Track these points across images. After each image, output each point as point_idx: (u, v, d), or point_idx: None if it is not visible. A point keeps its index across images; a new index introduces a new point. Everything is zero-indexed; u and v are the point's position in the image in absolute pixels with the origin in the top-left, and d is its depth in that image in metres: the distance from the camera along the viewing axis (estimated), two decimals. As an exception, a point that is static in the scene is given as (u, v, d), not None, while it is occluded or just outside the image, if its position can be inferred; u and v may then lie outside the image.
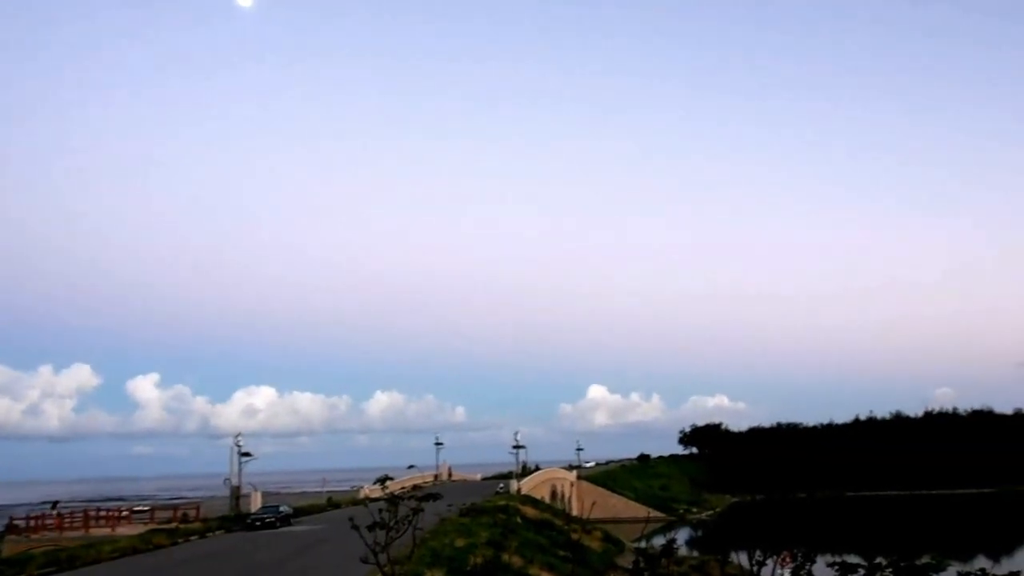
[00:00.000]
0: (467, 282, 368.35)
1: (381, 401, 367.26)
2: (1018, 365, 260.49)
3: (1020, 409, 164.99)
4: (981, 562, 49.00)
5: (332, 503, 66.97)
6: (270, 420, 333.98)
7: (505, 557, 27.16)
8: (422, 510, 11.83)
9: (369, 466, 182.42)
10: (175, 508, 69.54)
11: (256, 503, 57.66)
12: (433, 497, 12.65)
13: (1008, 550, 70.80)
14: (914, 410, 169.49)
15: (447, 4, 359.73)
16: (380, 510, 11.42)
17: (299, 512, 57.67)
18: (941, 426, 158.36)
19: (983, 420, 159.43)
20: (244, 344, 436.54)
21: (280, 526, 48.94)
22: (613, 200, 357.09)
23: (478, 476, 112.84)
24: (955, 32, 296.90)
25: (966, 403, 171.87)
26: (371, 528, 11.12)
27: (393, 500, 11.55)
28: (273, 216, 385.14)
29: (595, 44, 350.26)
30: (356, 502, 61.26)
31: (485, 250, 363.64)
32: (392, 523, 11.27)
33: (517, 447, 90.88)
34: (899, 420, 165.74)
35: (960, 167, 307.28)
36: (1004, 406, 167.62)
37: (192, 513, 62.39)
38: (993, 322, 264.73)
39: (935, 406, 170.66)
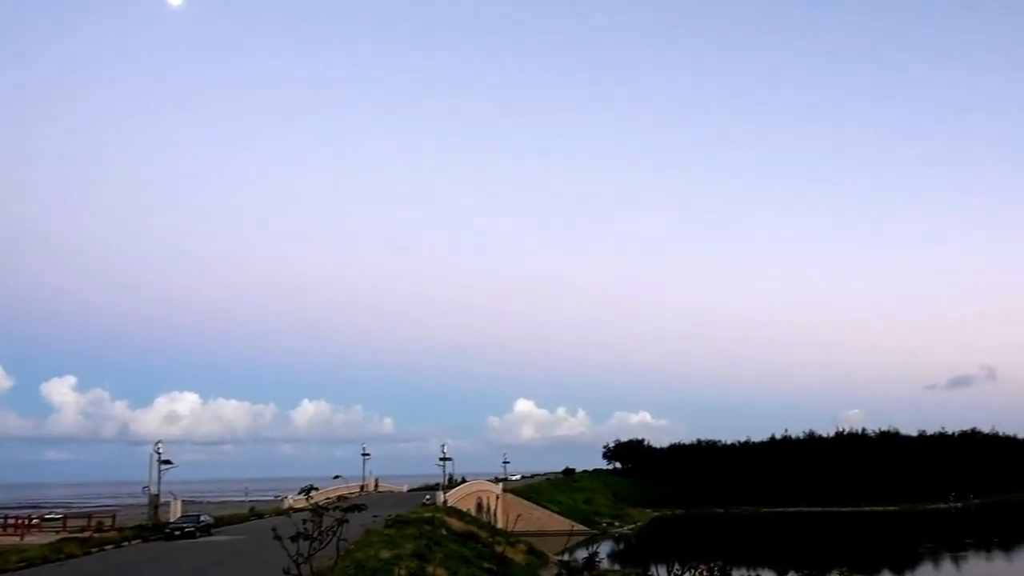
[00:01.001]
0: (398, 293, 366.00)
1: (308, 410, 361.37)
2: (925, 389, 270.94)
3: (924, 431, 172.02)
4: (887, 576, 51.07)
5: (255, 513, 65.77)
6: (193, 427, 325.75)
7: (430, 569, 27.16)
8: (347, 521, 11.80)
9: (294, 476, 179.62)
10: (89, 516, 67.15)
11: (175, 512, 56.22)
12: (358, 508, 12.65)
13: (911, 565, 73.53)
14: (826, 430, 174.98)
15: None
16: (304, 521, 11.36)
17: (220, 522, 56.44)
18: (851, 446, 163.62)
19: (890, 441, 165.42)
20: (168, 348, 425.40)
21: (200, 536, 47.78)
22: (542, 218, 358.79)
23: (405, 487, 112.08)
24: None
25: (874, 424, 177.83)
26: (294, 539, 11.06)
27: (317, 511, 11.51)
28: (200, 218, 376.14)
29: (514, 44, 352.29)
30: (280, 512, 60.42)
31: (417, 263, 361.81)
32: (316, 534, 11.22)
33: (444, 459, 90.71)
34: (812, 440, 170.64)
35: (886, 194, 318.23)
36: (910, 428, 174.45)
37: (107, 522, 60.36)
38: (902, 347, 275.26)
39: (846, 427, 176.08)
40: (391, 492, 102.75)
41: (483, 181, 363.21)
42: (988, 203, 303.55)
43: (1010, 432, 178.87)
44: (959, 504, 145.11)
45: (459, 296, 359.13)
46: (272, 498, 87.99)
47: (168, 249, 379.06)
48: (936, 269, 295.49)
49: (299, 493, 12.54)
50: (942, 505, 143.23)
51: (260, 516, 63.00)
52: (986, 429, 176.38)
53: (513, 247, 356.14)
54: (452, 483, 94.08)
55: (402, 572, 24.48)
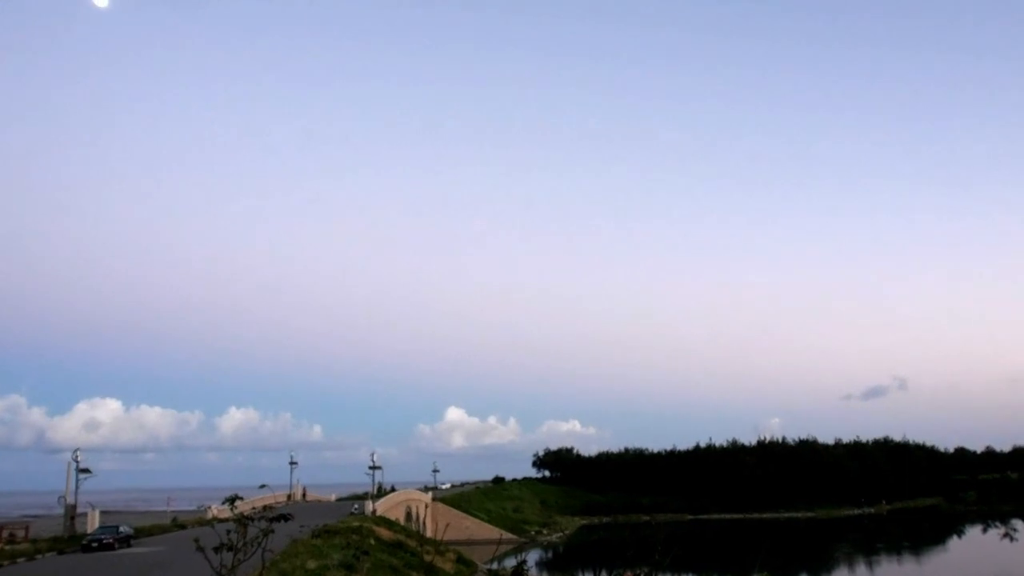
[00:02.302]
0: (327, 299, 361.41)
1: (235, 418, 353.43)
2: (841, 399, 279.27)
3: (840, 440, 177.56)
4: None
5: (178, 523, 64.10)
6: (114, 435, 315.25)
7: (356, 579, 26.95)
8: (272, 531, 11.73)
9: (220, 485, 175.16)
10: (1, 528, 64.46)
11: (93, 523, 54.40)
12: (285, 518, 12.57)
13: (827, 569, 75.82)
14: (748, 438, 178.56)
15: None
16: (228, 531, 11.24)
17: (141, 533, 54.89)
18: (772, 454, 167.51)
19: (808, 449, 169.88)
20: (89, 353, 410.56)
21: (119, 548, 46.40)
22: (473, 227, 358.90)
23: (333, 497, 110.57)
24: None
25: (794, 433, 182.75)
26: (217, 550, 10.93)
27: (242, 520, 11.40)
28: (125, 218, 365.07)
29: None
30: (203, 522, 59.00)
31: (346, 268, 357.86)
32: (240, 545, 11.11)
33: (373, 467, 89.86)
34: (735, 448, 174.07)
35: (803, 208, 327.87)
36: (827, 437, 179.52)
37: (20, 533, 57.99)
38: (820, 357, 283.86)
39: (767, 435, 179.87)
40: (319, 501, 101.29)
41: (414, 187, 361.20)
42: (896, 219, 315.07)
43: (920, 440, 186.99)
44: (871, 510, 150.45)
45: (390, 303, 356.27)
46: (195, 508, 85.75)
47: (89, 250, 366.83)
48: (851, 282, 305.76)
49: (223, 503, 12.31)
50: (856, 511, 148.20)
51: (182, 526, 61.46)
52: (898, 437, 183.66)
53: (444, 255, 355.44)
54: (381, 492, 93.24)
55: (328, 582, 24.28)
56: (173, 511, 78.83)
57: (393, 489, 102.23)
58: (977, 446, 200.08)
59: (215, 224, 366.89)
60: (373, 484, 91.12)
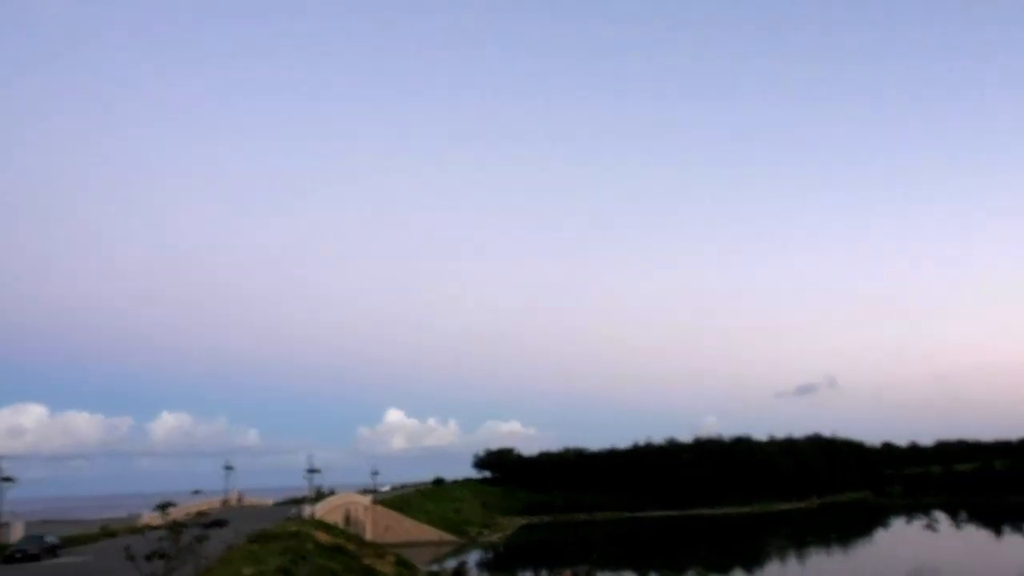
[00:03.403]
0: (262, 302, 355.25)
1: (168, 422, 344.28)
2: (775, 396, 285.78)
3: (774, 436, 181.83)
4: (738, 574, 53.75)
5: (107, 532, 62.17)
6: (40, 442, 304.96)
7: (293, 584, 26.64)
8: (208, 537, 11.61)
9: (153, 492, 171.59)
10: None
11: (17, 534, 52.46)
12: (220, 523, 12.50)
13: (760, 563, 77.48)
14: (685, 437, 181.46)
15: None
16: (160, 538, 11.09)
17: (68, 542, 53.07)
18: (708, 452, 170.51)
19: (743, 446, 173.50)
20: (12, 356, 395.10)
21: (45, 559, 44.83)
22: (410, 229, 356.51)
23: (270, 501, 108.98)
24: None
25: (729, 431, 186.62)
26: (149, 558, 10.78)
27: (175, 527, 11.27)
28: (47, 216, 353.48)
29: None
30: (135, 530, 57.41)
31: (282, 271, 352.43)
32: (173, 552, 10.97)
33: (312, 471, 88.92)
34: (673, 446, 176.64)
35: (733, 213, 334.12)
36: (761, 434, 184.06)
37: (-63, 547, 55.68)
38: (754, 357, 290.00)
39: (703, 433, 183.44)
40: (256, 506, 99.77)
41: (353, 189, 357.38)
42: (823, 220, 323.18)
43: (849, 436, 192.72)
44: (802, 504, 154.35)
45: (327, 306, 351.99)
46: (126, 515, 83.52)
47: (6, 252, 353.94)
48: (783, 284, 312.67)
49: (155, 509, 12.12)
50: (787, 506, 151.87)
51: (112, 535, 59.66)
52: (828, 434, 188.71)
53: (382, 258, 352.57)
54: (320, 496, 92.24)
55: (265, 588, 23.93)
56: (103, 519, 76.66)
57: (332, 493, 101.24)
58: (903, 441, 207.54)
59: (141, 226, 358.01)
60: (311, 488, 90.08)
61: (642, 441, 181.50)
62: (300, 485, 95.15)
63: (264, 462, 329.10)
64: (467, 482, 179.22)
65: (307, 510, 70.11)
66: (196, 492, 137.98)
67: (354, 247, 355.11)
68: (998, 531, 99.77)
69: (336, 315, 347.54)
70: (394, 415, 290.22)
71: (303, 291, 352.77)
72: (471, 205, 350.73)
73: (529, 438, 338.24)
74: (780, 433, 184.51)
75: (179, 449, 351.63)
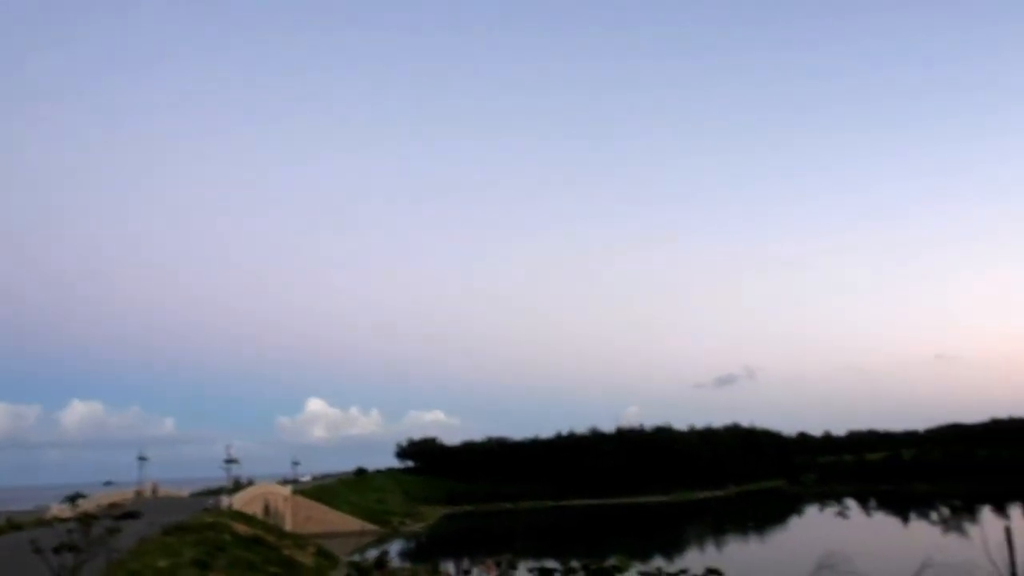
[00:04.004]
0: (178, 287, 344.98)
1: (78, 411, 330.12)
2: (695, 387, 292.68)
3: (694, 426, 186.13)
4: (658, 562, 54.77)
5: (13, 525, 59.66)
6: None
7: (210, 577, 26.02)
8: (119, 530, 11.17)
9: (62, 483, 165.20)
10: None
11: (-89, 528, 49.99)
12: (133, 515, 12.06)
13: (680, 550, 79.23)
14: (608, 426, 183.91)
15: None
16: (69, 531, 10.62)
17: (-31, 536, 50.78)
18: (630, 441, 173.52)
19: (664, 436, 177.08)
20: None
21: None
22: (326, 217, 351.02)
23: (187, 492, 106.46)
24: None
25: (651, 420, 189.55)
26: (57, 551, 10.31)
27: (85, 519, 10.82)
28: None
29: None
30: (42, 523, 55.28)
31: (201, 256, 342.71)
32: (83, 545, 10.53)
33: (230, 461, 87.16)
34: (595, 436, 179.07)
35: (650, 197, 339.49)
36: (681, 424, 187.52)
37: None
38: (675, 347, 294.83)
39: (626, 423, 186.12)
40: (172, 497, 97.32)
41: (273, 171, 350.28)
42: (749, 209, 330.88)
43: (766, 426, 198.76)
44: (720, 492, 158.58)
45: (245, 292, 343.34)
46: (34, 508, 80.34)
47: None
48: (703, 273, 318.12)
49: (64, 501, 11.65)
50: (706, 494, 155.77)
51: (19, 528, 57.30)
52: (746, 424, 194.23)
53: (301, 243, 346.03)
54: (238, 486, 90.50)
55: (180, 581, 23.29)
56: (9, 511, 73.55)
57: (251, 483, 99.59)
58: (817, 431, 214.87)
59: (52, 208, 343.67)
60: (229, 478, 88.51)
61: (565, 431, 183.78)
62: (218, 475, 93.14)
63: (180, 452, 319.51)
64: (390, 472, 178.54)
65: (225, 501, 68.85)
66: (108, 483, 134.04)
67: (273, 234, 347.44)
68: (905, 518, 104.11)
69: (255, 302, 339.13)
70: (315, 404, 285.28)
71: (222, 277, 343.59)
72: (390, 193, 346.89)
73: (452, 428, 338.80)
74: (700, 423, 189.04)
75: (90, 439, 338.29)
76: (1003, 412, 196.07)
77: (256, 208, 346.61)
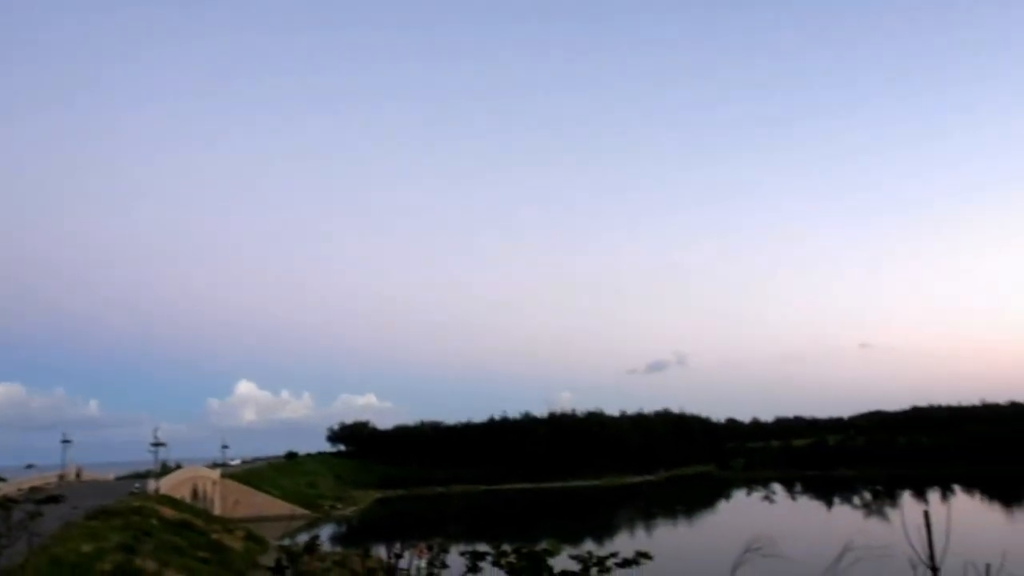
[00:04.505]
0: (103, 263, 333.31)
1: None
2: (627, 372, 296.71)
3: (625, 412, 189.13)
4: (589, 545, 55.50)
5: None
6: None
7: (138, 562, 25.53)
8: (41, 514, 10.86)
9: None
10: None
11: None
12: (56, 499, 11.68)
13: (610, 534, 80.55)
14: (541, 411, 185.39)
15: None
16: (-12, 516, 10.30)
17: None
18: (562, 426, 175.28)
19: (596, 421, 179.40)
20: None
21: None
22: (261, 195, 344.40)
23: (112, 476, 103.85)
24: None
25: (583, 405, 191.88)
26: (-25, 537, 10.00)
27: (5, 504, 10.49)
28: None
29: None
30: (-45, 508, 53.36)
31: (125, 231, 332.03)
32: (3, 530, 10.23)
33: (157, 444, 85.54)
34: (528, 420, 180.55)
35: (588, 190, 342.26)
36: (613, 409, 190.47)
37: None
38: (607, 333, 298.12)
39: (558, 408, 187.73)
40: (97, 481, 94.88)
41: (197, 147, 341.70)
42: (680, 200, 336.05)
43: (696, 412, 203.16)
44: (651, 477, 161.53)
45: (173, 270, 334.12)
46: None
47: None
48: (636, 260, 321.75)
49: (-17, 485, 11.29)
50: (637, 479, 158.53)
51: (-69, 513, 55.29)
52: (676, 409, 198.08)
53: (231, 225, 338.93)
54: (166, 470, 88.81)
55: (106, 567, 22.75)
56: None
57: (179, 467, 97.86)
58: (746, 417, 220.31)
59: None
60: (156, 462, 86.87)
61: (498, 416, 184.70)
62: (144, 459, 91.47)
63: (105, 435, 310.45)
64: (321, 456, 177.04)
65: (151, 485, 67.62)
66: (29, 467, 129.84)
67: (203, 212, 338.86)
68: (829, 502, 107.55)
69: (184, 282, 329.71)
70: (245, 387, 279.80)
71: (148, 253, 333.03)
72: (323, 175, 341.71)
73: (385, 411, 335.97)
74: (632, 408, 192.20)
75: (11, 421, 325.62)
76: (924, 400, 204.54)
77: (181, 184, 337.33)
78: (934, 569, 5.64)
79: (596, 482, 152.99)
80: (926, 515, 5.74)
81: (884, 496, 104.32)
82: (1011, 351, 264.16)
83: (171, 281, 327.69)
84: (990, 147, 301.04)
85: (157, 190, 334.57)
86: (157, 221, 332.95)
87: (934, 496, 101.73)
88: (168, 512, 51.25)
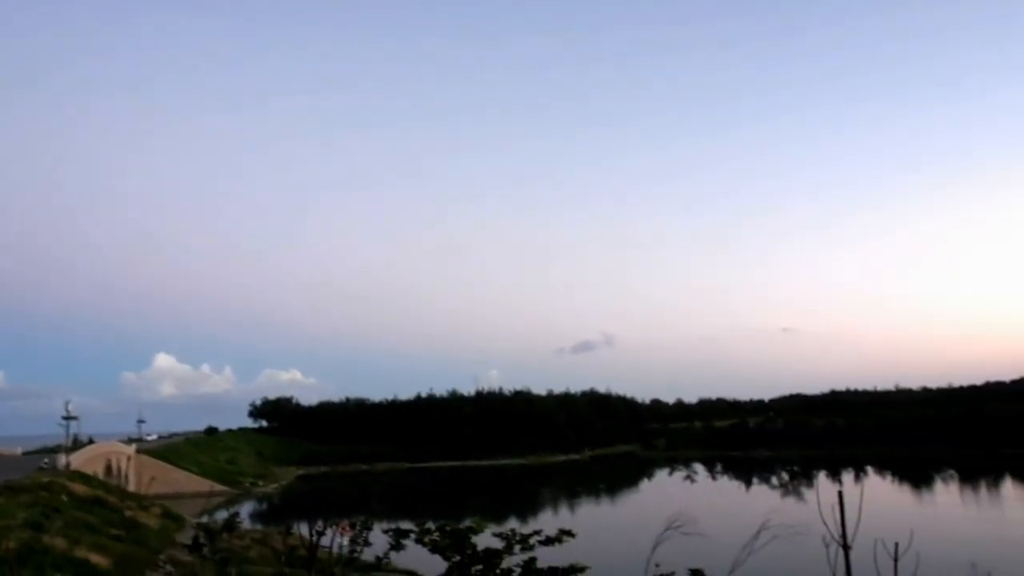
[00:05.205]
0: (13, 229, 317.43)
1: None
2: (554, 352, 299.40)
3: (552, 391, 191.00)
4: (513, 523, 56.00)
5: None
6: None
7: (46, 539, 24.64)
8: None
9: None
10: None
11: None
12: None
13: (534, 512, 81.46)
14: (468, 389, 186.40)
15: None
16: None
17: None
18: (489, 404, 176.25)
19: (523, 400, 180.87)
20: None
21: None
22: (181, 166, 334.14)
23: (19, 451, 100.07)
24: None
25: (510, 384, 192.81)
26: None
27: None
28: None
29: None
30: None
31: (40, 193, 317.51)
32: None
33: (68, 418, 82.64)
34: (455, 398, 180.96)
35: (516, 167, 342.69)
36: (540, 388, 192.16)
37: None
38: (535, 312, 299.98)
39: (485, 386, 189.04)
40: (2, 455, 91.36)
41: (123, 109, 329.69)
42: (612, 184, 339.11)
43: (622, 392, 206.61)
44: (576, 456, 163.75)
45: (87, 236, 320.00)
46: None
47: None
48: (565, 241, 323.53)
49: None
50: (562, 457, 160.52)
51: None
52: (602, 389, 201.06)
53: (150, 191, 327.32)
54: (78, 445, 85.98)
55: (11, 544, 21.87)
56: None
57: (92, 441, 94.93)
58: (670, 398, 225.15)
59: None
60: (68, 436, 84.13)
61: (424, 393, 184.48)
62: (55, 433, 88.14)
63: (12, 407, 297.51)
64: (242, 431, 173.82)
65: (62, 460, 65.41)
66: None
67: (125, 177, 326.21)
68: (748, 482, 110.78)
69: (99, 248, 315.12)
70: (164, 360, 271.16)
71: (61, 218, 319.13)
72: (251, 147, 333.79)
73: (309, 388, 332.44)
74: (558, 388, 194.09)
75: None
76: (841, 384, 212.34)
77: (97, 146, 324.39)
78: (846, 547, 5.80)
79: (522, 461, 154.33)
80: (840, 495, 5.90)
81: (801, 477, 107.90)
82: (925, 338, 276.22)
83: (85, 248, 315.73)
84: (904, 135, 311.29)
85: (70, 153, 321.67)
86: (70, 185, 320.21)
87: (848, 477, 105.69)
88: (79, 488, 49.75)
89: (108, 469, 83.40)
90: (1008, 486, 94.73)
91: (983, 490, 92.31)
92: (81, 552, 25.39)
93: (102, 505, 45.39)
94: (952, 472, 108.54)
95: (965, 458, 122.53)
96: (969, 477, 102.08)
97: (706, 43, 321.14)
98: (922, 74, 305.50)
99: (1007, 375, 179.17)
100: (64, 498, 42.11)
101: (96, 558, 25.01)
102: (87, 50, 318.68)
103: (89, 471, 69.19)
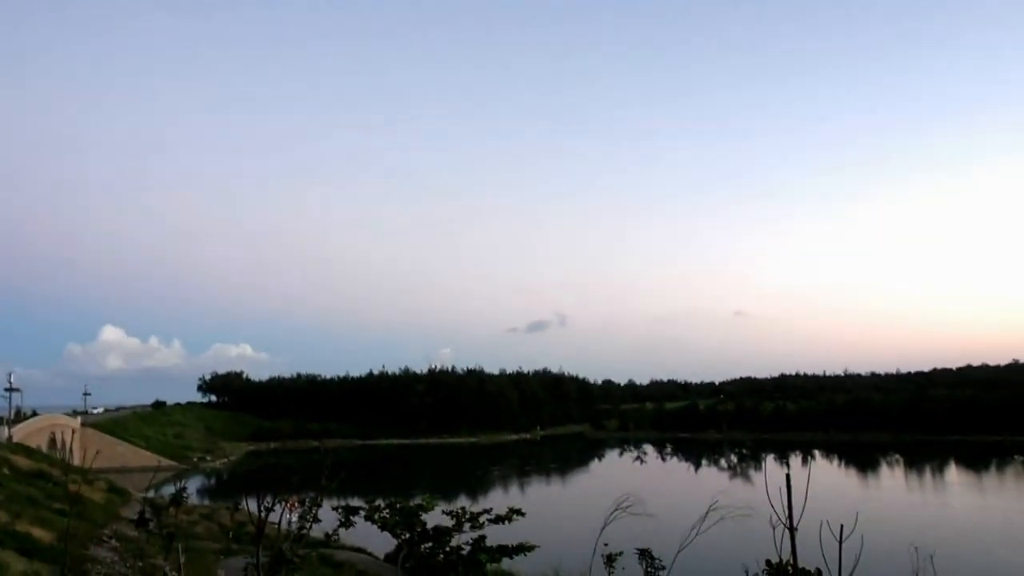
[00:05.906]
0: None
1: None
2: (507, 331, 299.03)
3: (505, 370, 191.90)
4: (463, 501, 56.25)
5: None
6: None
7: (-17, 513, 24.06)
8: None
9: None
10: None
11: None
12: None
13: (485, 490, 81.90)
14: (421, 367, 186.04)
15: None
16: None
17: None
18: (441, 382, 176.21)
19: (475, 378, 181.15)
20: None
21: None
22: (139, 125, 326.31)
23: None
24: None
25: (463, 363, 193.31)
26: None
27: None
28: None
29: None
30: None
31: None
32: None
33: (10, 390, 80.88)
34: (407, 376, 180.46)
35: (471, 154, 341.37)
36: (493, 367, 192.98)
37: None
38: (488, 291, 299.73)
39: (438, 364, 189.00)
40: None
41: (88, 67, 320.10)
42: (567, 164, 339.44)
43: (574, 372, 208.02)
44: (527, 435, 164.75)
45: (32, 206, 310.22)
46: None
47: None
48: (519, 220, 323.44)
49: None
50: (513, 436, 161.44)
51: None
52: (555, 369, 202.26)
53: (99, 158, 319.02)
54: (20, 417, 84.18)
55: (-53, 518, 21.37)
56: None
57: (35, 414, 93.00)
58: (622, 379, 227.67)
59: None
60: (10, 408, 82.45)
61: (376, 370, 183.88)
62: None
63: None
64: (190, 406, 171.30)
65: (3, 432, 64.01)
66: None
67: (72, 143, 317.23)
68: (697, 464, 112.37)
69: (44, 217, 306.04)
70: (111, 332, 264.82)
71: (1, 185, 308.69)
72: (211, 117, 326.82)
73: (260, 363, 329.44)
74: (511, 367, 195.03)
75: None
76: (791, 369, 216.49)
77: (41, 115, 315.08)
78: (792, 529, 5.90)
79: (473, 439, 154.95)
80: (787, 478, 5.98)
81: (749, 459, 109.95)
82: (874, 325, 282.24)
83: (28, 219, 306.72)
84: (860, 123, 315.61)
85: (14, 124, 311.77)
86: (11, 150, 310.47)
87: (796, 460, 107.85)
88: (22, 461, 48.74)
89: (52, 442, 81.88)
90: (952, 471, 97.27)
91: (928, 475, 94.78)
92: (23, 526, 24.91)
93: (45, 479, 44.52)
94: (898, 457, 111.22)
95: (911, 443, 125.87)
96: (914, 462, 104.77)
97: (661, 19, 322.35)
98: (872, 65, 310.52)
99: (953, 362, 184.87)
100: (5, 471, 41.27)
101: (38, 532, 24.55)
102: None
103: (32, 444, 67.95)
